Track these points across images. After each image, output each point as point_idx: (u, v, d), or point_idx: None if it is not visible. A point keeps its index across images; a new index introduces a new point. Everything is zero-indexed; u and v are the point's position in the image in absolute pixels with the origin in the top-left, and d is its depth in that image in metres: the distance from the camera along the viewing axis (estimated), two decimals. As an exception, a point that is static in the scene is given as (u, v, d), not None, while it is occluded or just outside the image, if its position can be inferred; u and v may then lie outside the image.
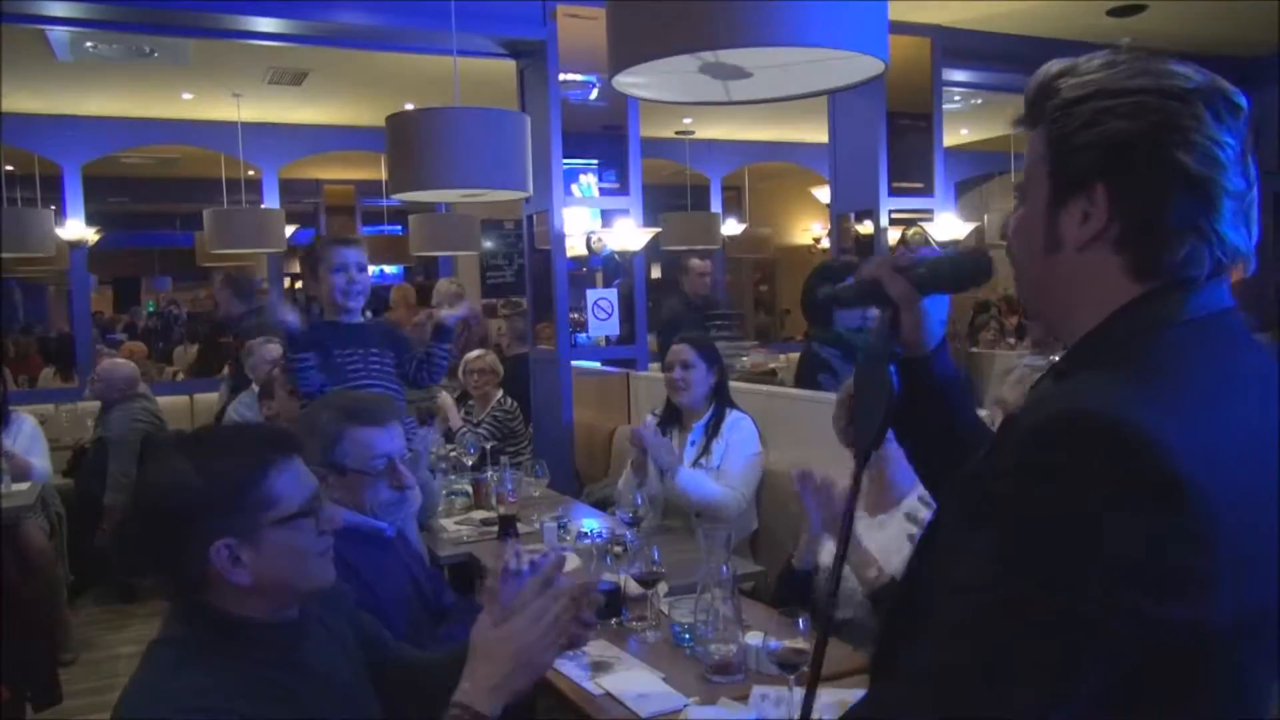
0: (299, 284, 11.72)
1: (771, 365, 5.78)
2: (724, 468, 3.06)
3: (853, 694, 1.58)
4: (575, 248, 4.78)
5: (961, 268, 1.06)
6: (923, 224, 5.67)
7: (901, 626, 0.98)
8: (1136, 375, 0.81)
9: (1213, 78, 0.86)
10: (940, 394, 1.13)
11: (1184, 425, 0.76)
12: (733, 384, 3.39)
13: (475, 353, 4.69)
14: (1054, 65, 0.91)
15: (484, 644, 1.27)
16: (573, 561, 2.63)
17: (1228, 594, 0.75)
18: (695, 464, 3.08)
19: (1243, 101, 0.87)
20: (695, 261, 6.08)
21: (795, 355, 4.66)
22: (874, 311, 1.12)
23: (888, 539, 2.20)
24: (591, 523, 3.03)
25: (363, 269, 3.03)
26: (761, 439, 3.17)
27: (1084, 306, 0.89)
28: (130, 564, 1.46)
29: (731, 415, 3.14)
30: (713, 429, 3.12)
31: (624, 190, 4.86)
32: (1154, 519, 0.74)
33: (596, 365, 4.93)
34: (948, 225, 5.78)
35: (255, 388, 4.23)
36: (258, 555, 1.24)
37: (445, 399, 4.56)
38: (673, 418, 3.24)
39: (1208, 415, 0.79)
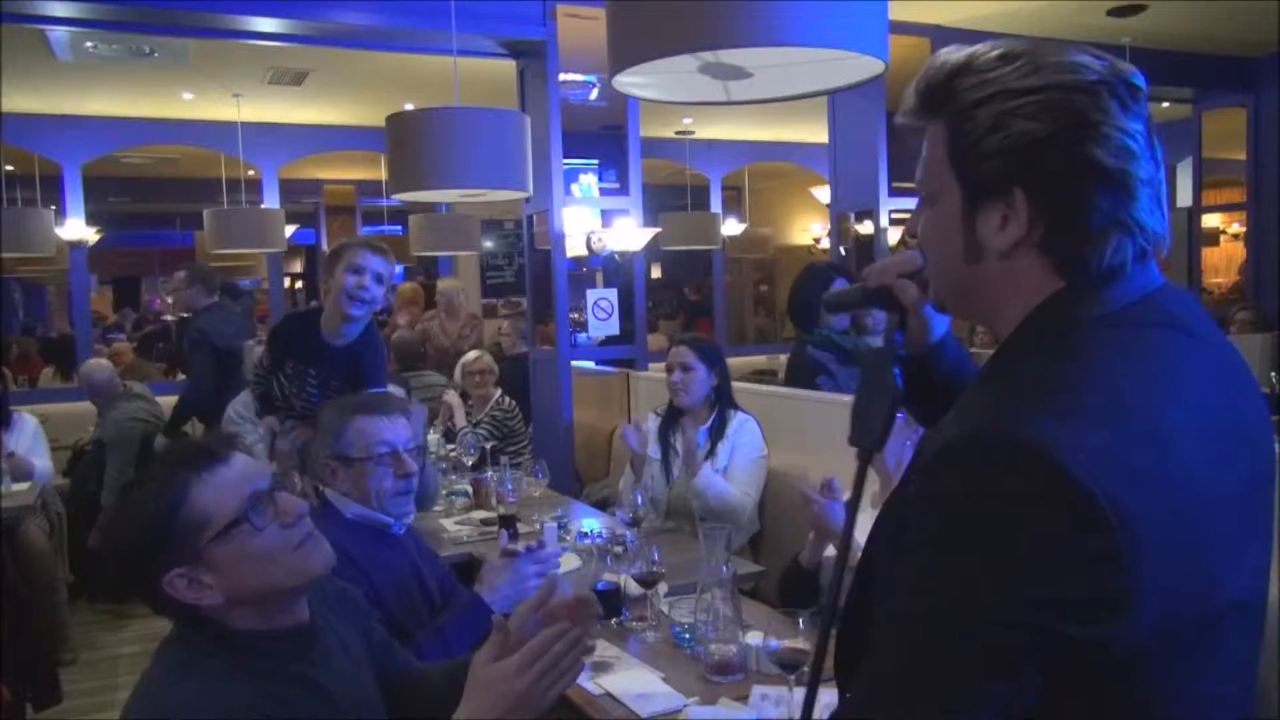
0: (299, 284, 11.73)
1: None
2: (730, 470, 3.06)
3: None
4: (575, 248, 4.78)
5: None
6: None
7: (852, 632, 0.98)
8: (1050, 385, 0.78)
9: (1111, 63, 0.83)
10: (950, 382, 1.14)
11: (1098, 438, 0.73)
12: (734, 384, 3.38)
13: (473, 354, 4.71)
14: (949, 58, 0.88)
15: (484, 677, 1.22)
16: (573, 561, 2.63)
17: (1147, 610, 0.73)
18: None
19: (1141, 82, 0.84)
20: None
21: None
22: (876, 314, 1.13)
23: None
24: (591, 523, 3.03)
25: (379, 280, 2.85)
26: (765, 441, 3.17)
27: (1013, 307, 0.87)
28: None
29: (737, 417, 3.13)
30: (717, 431, 3.11)
31: (624, 190, 4.86)
32: (1069, 539, 0.71)
33: (595, 365, 4.93)
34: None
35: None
36: (217, 574, 1.21)
37: (453, 398, 4.56)
38: (676, 418, 3.24)
39: (1124, 423, 0.75)
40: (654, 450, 3.21)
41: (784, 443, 3.29)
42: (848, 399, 1.07)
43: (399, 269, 11.13)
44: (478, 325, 6.32)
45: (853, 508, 1.05)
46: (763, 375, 6.67)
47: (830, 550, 2.33)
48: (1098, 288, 0.84)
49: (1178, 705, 0.79)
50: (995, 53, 0.85)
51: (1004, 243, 0.86)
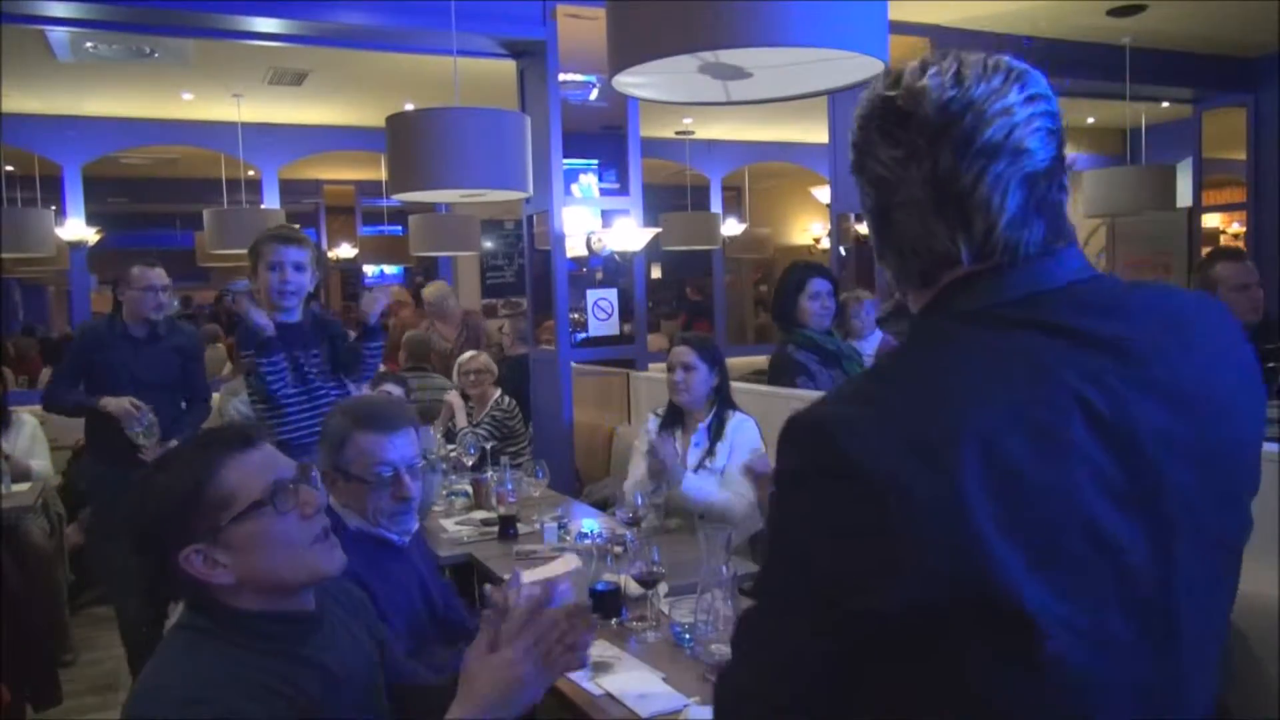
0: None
1: None
2: (728, 470, 3.06)
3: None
4: (575, 248, 4.78)
5: None
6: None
7: None
8: (868, 375, 0.88)
9: (880, 93, 0.87)
10: None
11: (883, 420, 0.77)
12: (733, 384, 3.38)
13: (468, 354, 4.68)
14: None
15: (474, 671, 1.24)
16: (573, 561, 2.63)
17: (918, 582, 0.74)
18: (699, 465, 3.07)
19: (915, 106, 0.84)
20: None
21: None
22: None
23: None
24: (591, 523, 3.03)
25: (300, 269, 2.94)
26: (764, 441, 3.17)
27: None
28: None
29: (735, 417, 3.13)
30: (716, 430, 3.11)
31: (624, 190, 4.86)
32: (850, 513, 0.76)
33: (596, 365, 4.93)
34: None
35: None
36: (232, 554, 1.24)
37: (454, 398, 4.56)
38: (675, 418, 3.24)
39: (916, 408, 0.77)
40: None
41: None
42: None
43: (398, 269, 11.16)
44: (474, 322, 6.29)
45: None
46: (762, 375, 6.66)
47: None
48: (951, 294, 0.88)
49: (993, 678, 0.78)
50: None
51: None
